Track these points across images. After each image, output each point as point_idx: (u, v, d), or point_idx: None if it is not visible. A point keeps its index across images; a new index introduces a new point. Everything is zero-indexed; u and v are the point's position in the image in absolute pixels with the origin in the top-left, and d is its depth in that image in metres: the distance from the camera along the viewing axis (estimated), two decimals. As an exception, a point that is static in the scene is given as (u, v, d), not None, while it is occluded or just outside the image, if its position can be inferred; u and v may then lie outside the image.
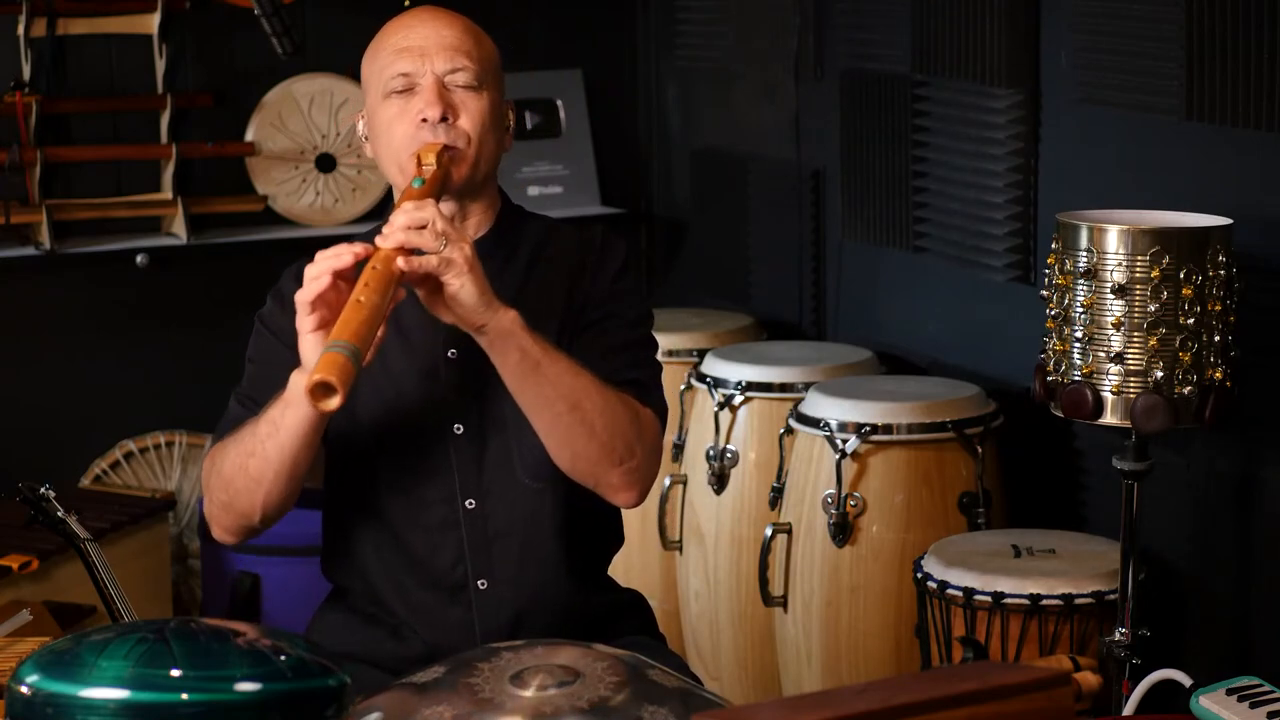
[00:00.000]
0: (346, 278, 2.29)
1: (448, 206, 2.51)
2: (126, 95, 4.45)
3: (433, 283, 2.31)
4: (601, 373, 2.44)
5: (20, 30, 4.27)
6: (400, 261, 2.26)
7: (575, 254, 2.60)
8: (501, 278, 2.47)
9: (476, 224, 2.58)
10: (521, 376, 2.37)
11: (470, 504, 2.54)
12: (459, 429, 2.53)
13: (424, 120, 2.49)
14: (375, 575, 2.58)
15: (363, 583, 2.59)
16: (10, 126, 4.28)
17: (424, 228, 2.29)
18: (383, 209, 4.59)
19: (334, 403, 2.11)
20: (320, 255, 2.30)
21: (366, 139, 2.61)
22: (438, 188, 2.44)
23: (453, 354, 2.53)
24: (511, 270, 2.56)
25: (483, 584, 2.54)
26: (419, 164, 2.46)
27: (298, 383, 2.33)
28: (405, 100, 2.51)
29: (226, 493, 2.46)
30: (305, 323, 2.30)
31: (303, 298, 2.29)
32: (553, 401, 2.38)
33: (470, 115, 2.51)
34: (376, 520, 2.56)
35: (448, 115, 2.49)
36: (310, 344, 2.29)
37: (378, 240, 2.30)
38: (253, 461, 2.41)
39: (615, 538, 2.71)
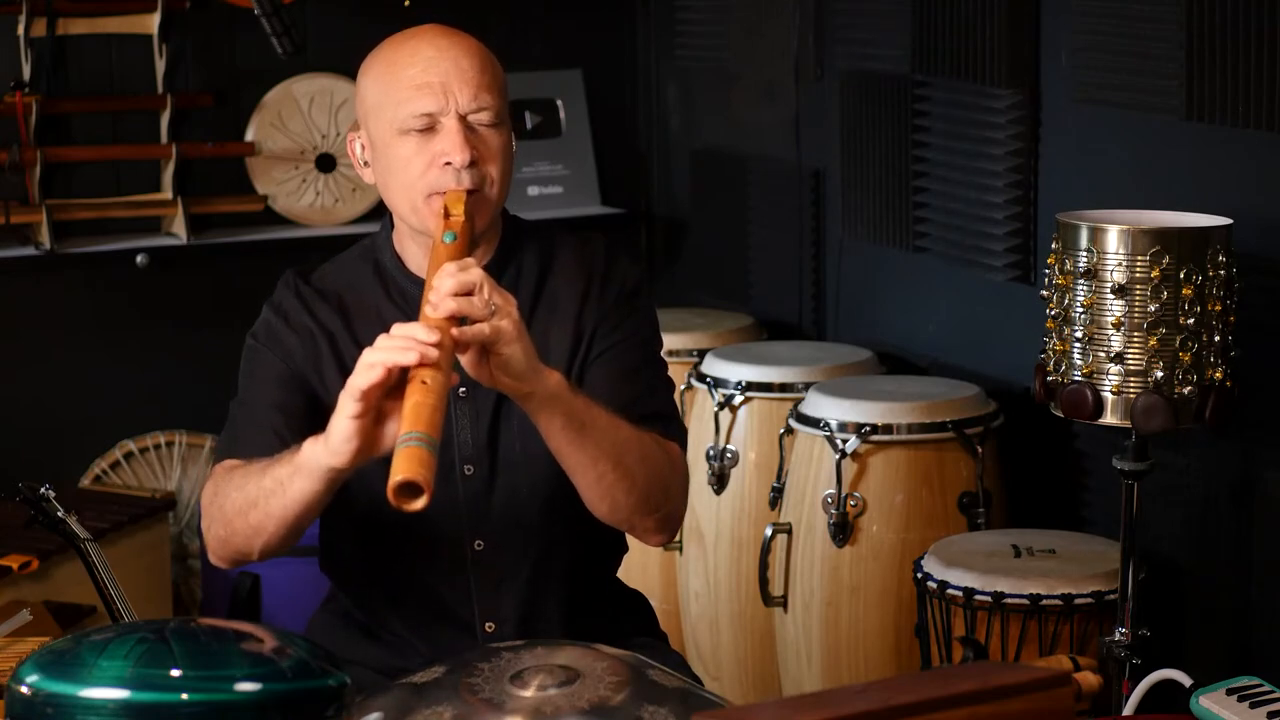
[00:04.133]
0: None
1: None
2: (126, 95, 4.45)
3: (480, 350, 2.20)
4: (621, 401, 2.38)
5: (20, 30, 4.28)
6: (455, 332, 2.16)
7: (582, 266, 2.53)
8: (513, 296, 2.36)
9: (483, 251, 2.49)
10: (567, 439, 2.31)
11: (479, 545, 2.49)
12: (469, 469, 2.47)
13: (447, 163, 2.38)
14: (378, 604, 2.55)
15: (365, 608, 2.57)
16: (10, 126, 4.28)
17: (472, 293, 2.19)
18: (382, 209, 4.58)
19: (420, 503, 2.00)
20: (382, 343, 2.14)
21: (367, 164, 2.50)
22: (469, 240, 2.34)
23: (463, 391, 2.46)
24: (523, 288, 2.49)
25: (490, 627, 2.50)
26: (446, 214, 2.35)
27: (311, 453, 2.21)
28: (425, 139, 2.40)
29: (226, 529, 2.37)
30: (350, 407, 2.14)
31: (356, 384, 2.13)
32: (597, 460, 2.33)
33: (493, 156, 2.41)
34: (381, 557, 2.52)
35: (474, 160, 2.39)
36: (345, 426, 2.15)
37: (426, 310, 2.18)
38: (254, 513, 2.32)
39: (621, 548, 2.68)
